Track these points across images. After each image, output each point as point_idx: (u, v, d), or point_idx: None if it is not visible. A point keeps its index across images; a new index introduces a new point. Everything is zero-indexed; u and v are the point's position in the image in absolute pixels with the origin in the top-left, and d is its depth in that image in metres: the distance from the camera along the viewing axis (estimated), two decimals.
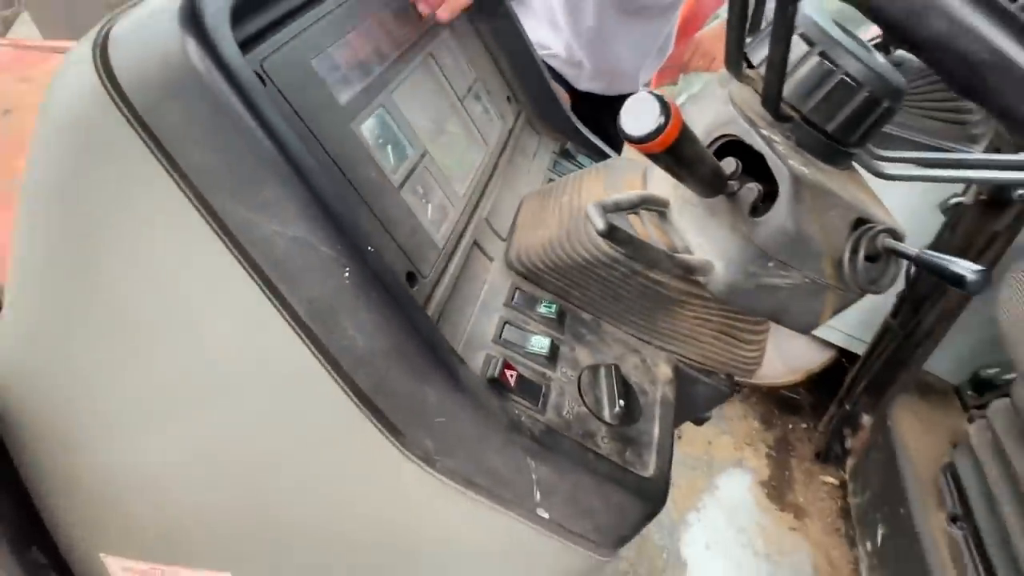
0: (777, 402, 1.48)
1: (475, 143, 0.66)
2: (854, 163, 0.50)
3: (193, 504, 0.49)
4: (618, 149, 0.88)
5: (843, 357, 1.33)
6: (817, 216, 0.43)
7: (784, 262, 0.44)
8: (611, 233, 0.39)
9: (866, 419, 1.21)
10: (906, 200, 1.01)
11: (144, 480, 0.48)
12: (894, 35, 0.33)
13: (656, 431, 0.53)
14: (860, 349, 1.23)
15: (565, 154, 0.82)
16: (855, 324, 1.24)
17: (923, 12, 0.32)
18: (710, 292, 0.48)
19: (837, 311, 0.49)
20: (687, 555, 1.15)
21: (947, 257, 0.38)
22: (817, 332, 1.34)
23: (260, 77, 0.39)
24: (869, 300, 1.08)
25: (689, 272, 0.47)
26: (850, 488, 1.23)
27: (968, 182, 0.91)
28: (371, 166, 0.48)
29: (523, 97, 0.82)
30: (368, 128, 0.50)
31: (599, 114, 1.31)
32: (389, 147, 0.51)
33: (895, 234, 0.44)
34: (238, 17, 0.38)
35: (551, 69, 1.17)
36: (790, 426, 1.42)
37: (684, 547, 1.17)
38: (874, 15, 0.33)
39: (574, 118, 0.84)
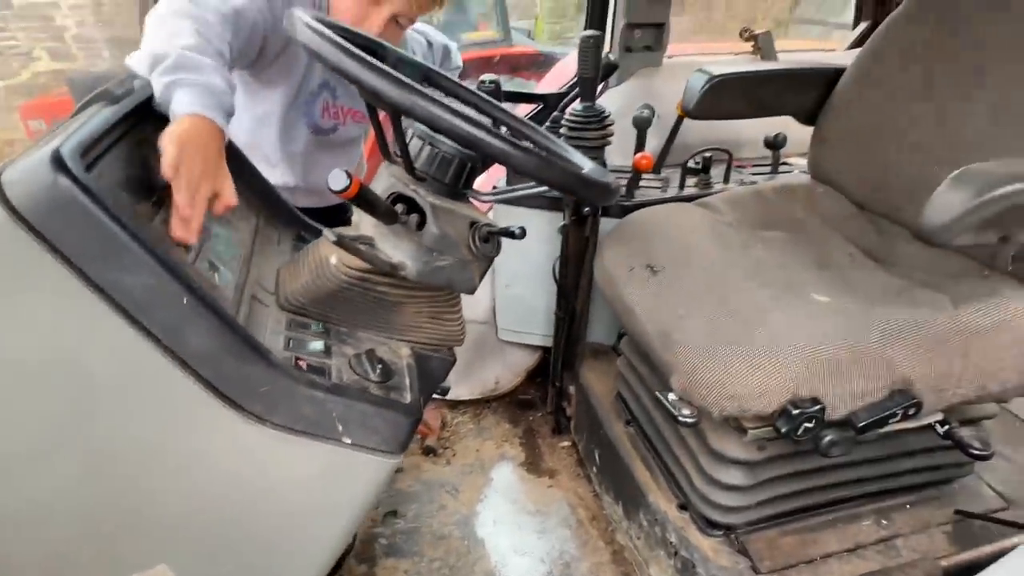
0: (517, 404, 1.90)
1: (236, 231, 0.91)
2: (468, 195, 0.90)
3: (81, 520, 0.63)
4: None
5: (546, 352, 1.81)
6: (449, 224, 0.80)
7: (441, 251, 0.80)
8: (341, 241, 0.71)
9: (571, 389, 1.67)
10: (544, 227, 1.53)
11: (37, 510, 0.60)
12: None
13: (407, 380, 0.84)
14: (551, 341, 1.71)
15: (300, 239, 1.11)
16: (543, 325, 1.72)
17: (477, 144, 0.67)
18: (409, 279, 0.82)
19: (482, 275, 0.87)
20: (481, 534, 1.45)
21: (504, 227, 0.78)
22: (523, 340, 1.80)
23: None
24: (546, 304, 1.59)
25: (393, 269, 0.80)
26: (576, 440, 1.67)
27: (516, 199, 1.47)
28: (172, 249, 0.71)
29: (258, 203, 1.09)
30: (158, 224, 0.73)
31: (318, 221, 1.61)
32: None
33: (491, 227, 0.83)
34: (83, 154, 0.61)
35: None
36: (530, 417, 1.84)
37: (478, 529, 1.46)
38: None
39: (301, 214, 1.14)
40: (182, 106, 0.75)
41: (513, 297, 1.70)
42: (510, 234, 0.79)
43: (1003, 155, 1.05)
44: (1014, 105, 1.05)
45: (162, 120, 0.77)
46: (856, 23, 1.96)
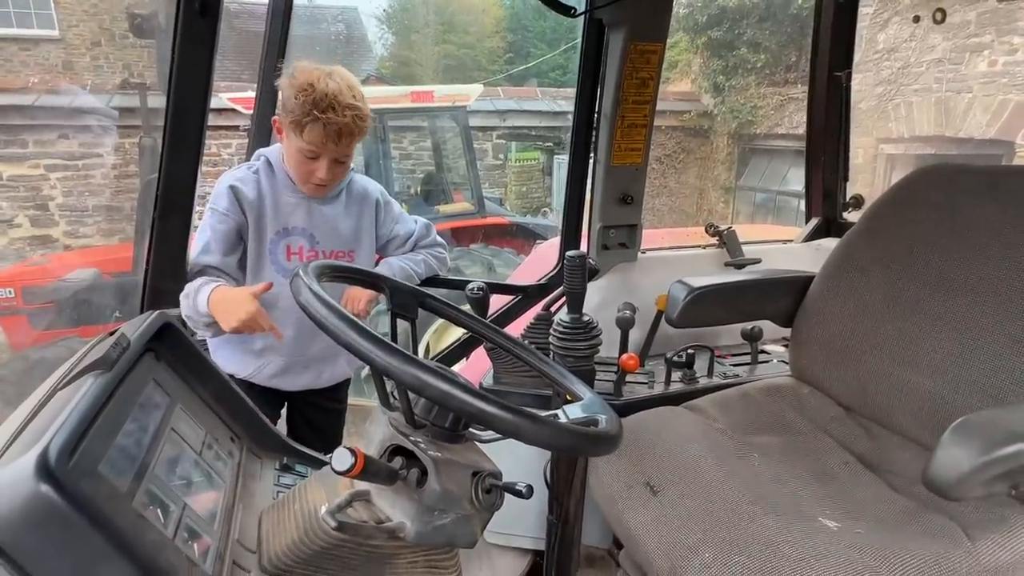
0: None
1: (216, 484, 0.86)
2: (468, 436, 0.87)
3: None
4: (326, 446, 1.14)
5: (536, 556, 1.68)
6: (451, 478, 0.76)
7: (442, 510, 0.75)
8: (342, 527, 0.66)
9: None
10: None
11: None
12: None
13: None
14: (542, 544, 1.60)
15: (285, 468, 1.05)
16: (533, 527, 1.62)
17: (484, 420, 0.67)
18: (408, 541, 0.76)
19: (484, 527, 0.82)
20: None
21: (509, 483, 0.75)
22: (512, 542, 1.69)
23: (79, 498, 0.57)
24: (537, 506, 1.52)
25: (392, 533, 0.74)
26: None
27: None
28: (151, 530, 0.66)
29: (241, 432, 1.05)
30: (141, 503, 0.68)
31: (313, 417, 1.58)
32: (159, 510, 0.70)
33: (495, 475, 0.80)
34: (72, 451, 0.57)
35: (265, 391, 1.43)
36: None
37: None
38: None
39: (286, 438, 1.09)
40: (202, 303, 1.20)
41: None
42: (516, 492, 0.76)
43: (976, 364, 1.09)
44: (979, 316, 1.12)
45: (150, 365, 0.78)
46: (808, 217, 2.15)
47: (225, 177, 1.35)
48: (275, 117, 1.34)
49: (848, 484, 1.11)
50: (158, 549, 0.63)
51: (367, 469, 0.66)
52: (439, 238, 1.62)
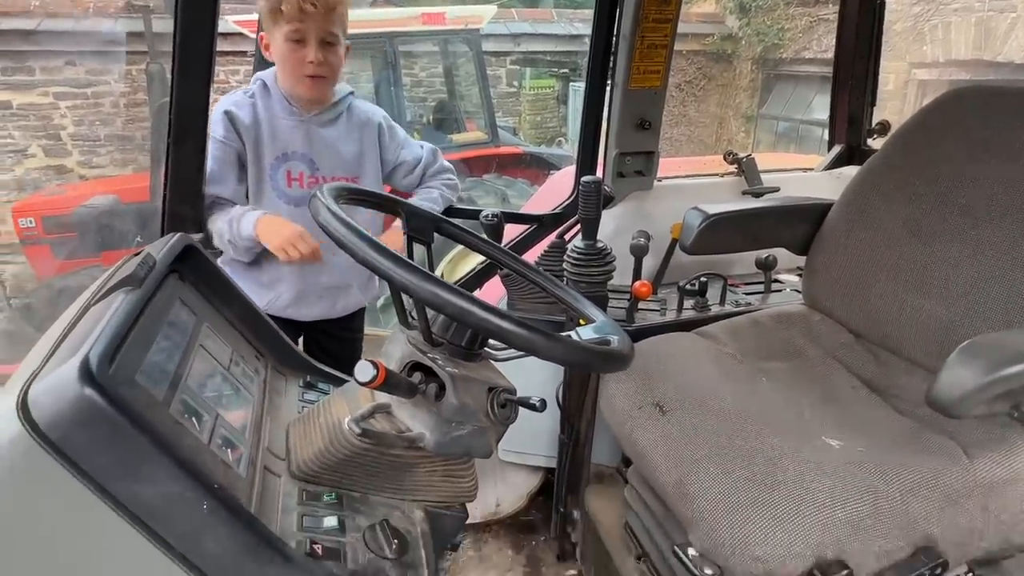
0: (519, 528, 1.83)
1: (244, 398, 0.91)
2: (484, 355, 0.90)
3: None
4: (344, 368, 1.19)
5: (548, 473, 1.77)
6: (468, 393, 0.79)
7: (460, 422, 0.79)
8: (365, 434, 0.70)
9: (576, 514, 1.62)
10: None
11: None
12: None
13: (422, 553, 0.81)
14: (554, 463, 1.67)
15: (308, 385, 1.10)
16: (546, 446, 1.69)
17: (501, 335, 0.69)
18: (427, 451, 0.80)
19: (499, 440, 0.86)
20: None
21: (524, 397, 0.78)
22: (525, 460, 1.77)
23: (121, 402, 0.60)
24: (549, 426, 1.57)
25: (412, 443, 0.79)
26: (582, 570, 1.60)
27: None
28: (188, 436, 0.70)
29: (265, 351, 1.09)
30: (177, 411, 0.72)
31: (329, 346, 1.62)
32: (194, 419, 0.74)
33: (509, 391, 0.83)
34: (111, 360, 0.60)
35: (281, 322, 1.47)
36: (533, 542, 1.78)
37: None
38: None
39: (308, 357, 1.13)
40: (248, 228, 1.27)
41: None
42: (530, 406, 0.79)
43: (990, 292, 1.09)
44: (1002, 243, 1.11)
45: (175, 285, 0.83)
46: (830, 145, 2.09)
47: (220, 103, 1.34)
48: (260, 33, 1.32)
49: (853, 407, 1.13)
50: (196, 452, 0.68)
51: (388, 381, 0.69)
52: (446, 162, 1.61)
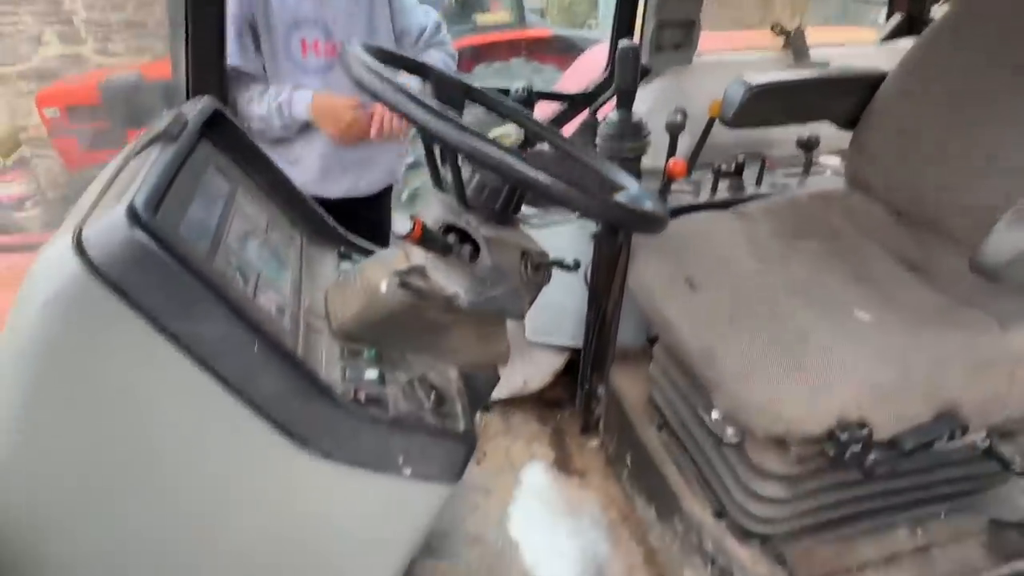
0: (546, 403, 1.92)
1: (283, 261, 0.93)
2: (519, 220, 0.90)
3: (152, 557, 0.65)
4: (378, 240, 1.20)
5: (574, 353, 1.82)
6: (502, 255, 0.80)
7: (493, 282, 0.80)
8: (404, 286, 0.72)
9: (600, 390, 1.69)
10: (576, 236, 1.53)
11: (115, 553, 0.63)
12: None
13: (459, 406, 0.85)
14: (580, 343, 1.72)
15: (343, 256, 1.12)
16: (572, 327, 1.73)
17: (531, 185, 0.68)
18: (463, 310, 0.83)
19: (532, 302, 0.88)
20: (515, 535, 1.48)
21: (557, 258, 0.79)
22: (551, 340, 1.82)
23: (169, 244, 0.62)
24: (576, 306, 1.59)
25: (448, 300, 0.81)
26: (605, 440, 1.69)
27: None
28: (235, 287, 0.73)
29: (300, 222, 1.10)
30: (221, 265, 0.74)
31: (355, 228, 1.63)
32: (238, 274, 0.76)
33: (542, 255, 0.84)
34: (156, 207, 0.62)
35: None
36: (559, 416, 1.86)
37: (511, 531, 1.49)
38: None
39: (342, 230, 1.15)
40: (301, 109, 1.30)
41: (543, 299, 1.70)
42: (565, 266, 0.80)
43: None
44: None
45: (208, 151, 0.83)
46: (889, 15, 1.92)
47: None
48: None
49: (888, 284, 1.12)
50: (244, 300, 0.70)
51: (425, 236, 0.70)
52: (448, 37, 1.54)
